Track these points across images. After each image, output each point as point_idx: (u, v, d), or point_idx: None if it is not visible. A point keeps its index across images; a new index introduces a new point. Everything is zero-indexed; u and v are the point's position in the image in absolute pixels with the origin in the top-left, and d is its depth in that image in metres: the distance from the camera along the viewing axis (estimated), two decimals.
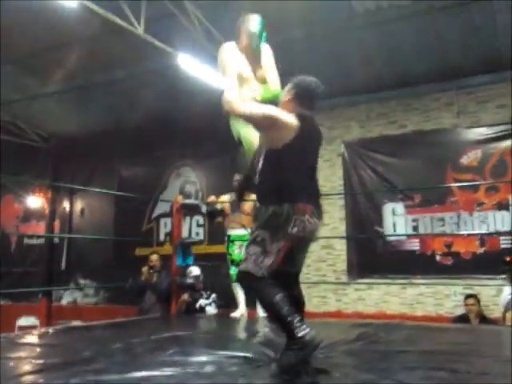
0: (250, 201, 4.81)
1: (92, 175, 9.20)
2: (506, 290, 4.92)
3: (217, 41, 6.16)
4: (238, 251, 5.01)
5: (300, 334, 2.26)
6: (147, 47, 5.74)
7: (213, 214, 5.52)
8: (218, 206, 5.36)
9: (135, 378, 2.39)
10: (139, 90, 7.56)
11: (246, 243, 5.03)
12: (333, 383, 2.27)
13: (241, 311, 4.98)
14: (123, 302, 7.77)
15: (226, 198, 5.41)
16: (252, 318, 4.92)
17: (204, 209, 7.75)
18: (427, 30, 5.84)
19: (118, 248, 8.86)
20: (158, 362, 2.81)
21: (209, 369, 2.60)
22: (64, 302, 9.36)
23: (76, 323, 7.06)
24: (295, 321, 2.30)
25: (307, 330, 2.27)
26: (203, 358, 2.92)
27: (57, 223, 9.76)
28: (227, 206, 5.33)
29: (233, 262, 5.08)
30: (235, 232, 5.11)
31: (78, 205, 9.71)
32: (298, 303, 2.59)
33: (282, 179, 2.51)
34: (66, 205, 9.77)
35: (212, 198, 5.55)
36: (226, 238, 5.23)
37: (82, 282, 9.23)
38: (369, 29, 5.94)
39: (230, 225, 5.21)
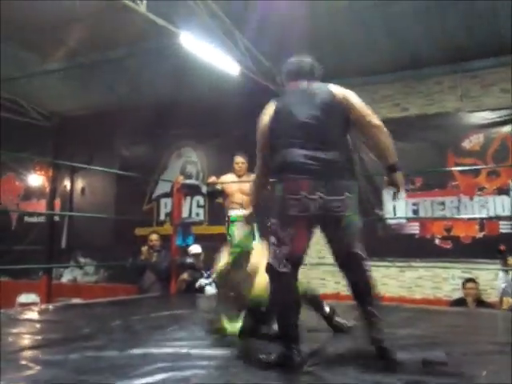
0: (251, 181, 4.80)
1: (93, 155, 9.15)
2: (500, 276, 4.93)
3: (220, 19, 6.11)
4: (238, 232, 5.01)
5: (289, 355, 2.21)
6: (150, 26, 5.68)
7: (213, 195, 5.52)
8: (219, 187, 5.36)
9: (134, 354, 2.42)
10: (141, 69, 7.50)
11: None
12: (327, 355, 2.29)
13: None
14: (123, 281, 7.82)
15: (226, 178, 5.40)
16: None
17: (204, 189, 7.78)
18: (432, 12, 5.77)
19: (118, 227, 8.89)
20: (157, 339, 2.84)
21: (207, 346, 2.62)
22: (64, 280, 9.41)
23: (76, 301, 7.11)
24: (291, 345, 2.23)
25: (294, 358, 2.21)
26: (202, 337, 2.95)
27: (57, 202, 9.76)
28: (228, 187, 5.33)
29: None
30: (235, 213, 5.10)
31: (79, 184, 9.71)
32: (357, 289, 2.40)
33: (273, 161, 2.41)
34: (67, 183, 9.76)
35: (212, 179, 5.54)
36: (226, 219, 5.23)
37: (82, 260, 9.28)
38: (373, 10, 5.87)
39: (231, 205, 5.22)
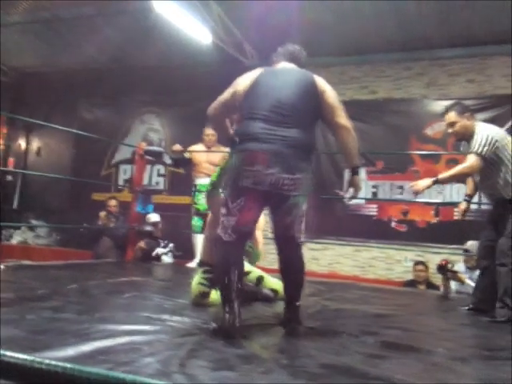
0: (220, 152, 4.79)
1: (51, 114, 8.79)
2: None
3: None
4: (204, 201, 4.98)
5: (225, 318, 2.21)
6: None
7: (179, 163, 5.45)
8: (187, 155, 5.31)
9: (94, 317, 2.37)
10: (109, 29, 7.23)
11: None
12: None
13: (197, 261, 5.00)
14: (76, 246, 7.67)
15: (196, 147, 5.36)
16: None
17: (167, 157, 7.68)
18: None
19: (74, 191, 8.65)
20: (116, 303, 2.81)
21: (168, 312, 2.60)
22: (14, 241, 9.14)
23: (26, 263, 6.92)
24: (231, 308, 2.22)
25: (228, 318, 2.20)
26: (161, 303, 2.93)
27: (11, 160, 9.42)
28: (196, 156, 5.31)
29: (198, 211, 5.06)
30: (202, 181, 5.06)
31: (35, 144, 9.37)
32: (286, 272, 2.44)
33: (237, 129, 2.42)
34: (22, 143, 9.42)
35: (177, 147, 5.48)
36: (193, 188, 5.21)
37: (34, 222, 9.02)
38: None
39: (198, 175, 5.21)
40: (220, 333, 2.16)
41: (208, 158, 5.23)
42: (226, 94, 2.54)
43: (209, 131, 5.25)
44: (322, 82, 2.45)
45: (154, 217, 5.95)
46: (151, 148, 6.18)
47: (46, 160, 9.17)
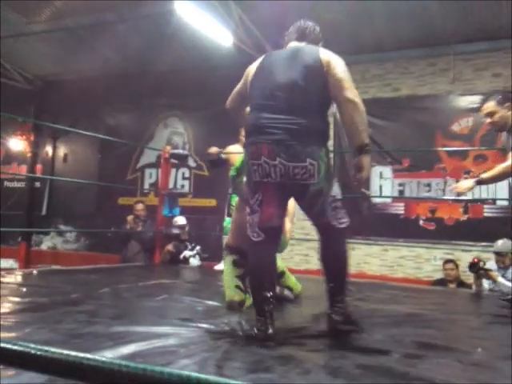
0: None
1: (77, 121, 8.90)
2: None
3: None
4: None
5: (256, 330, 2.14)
6: None
7: (216, 164, 5.41)
8: (223, 156, 5.27)
9: (128, 320, 2.39)
10: (131, 35, 7.31)
11: None
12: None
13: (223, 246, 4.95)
14: (104, 250, 7.77)
15: (234, 148, 5.33)
16: None
17: (191, 161, 7.72)
18: None
19: (100, 196, 8.78)
20: (149, 306, 2.82)
21: (199, 314, 2.61)
22: (44, 247, 9.29)
23: (57, 268, 7.03)
24: (263, 316, 2.15)
25: (261, 327, 2.12)
26: (193, 305, 2.94)
27: (39, 167, 9.58)
28: (232, 157, 5.26)
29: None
30: None
31: (61, 150, 9.51)
32: (326, 264, 2.25)
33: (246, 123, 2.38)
34: (49, 149, 9.56)
35: (214, 149, 5.42)
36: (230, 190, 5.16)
37: (62, 227, 9.15)
38: None
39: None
40: (253, 339, 2.11)
41: None
42: (239, 85, 2.53)
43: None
44: (327, 55, 2.23)
45: (181, 220, 5.98)
46: (176, 151, 6.21)
47: (73, 166, 9.30)
